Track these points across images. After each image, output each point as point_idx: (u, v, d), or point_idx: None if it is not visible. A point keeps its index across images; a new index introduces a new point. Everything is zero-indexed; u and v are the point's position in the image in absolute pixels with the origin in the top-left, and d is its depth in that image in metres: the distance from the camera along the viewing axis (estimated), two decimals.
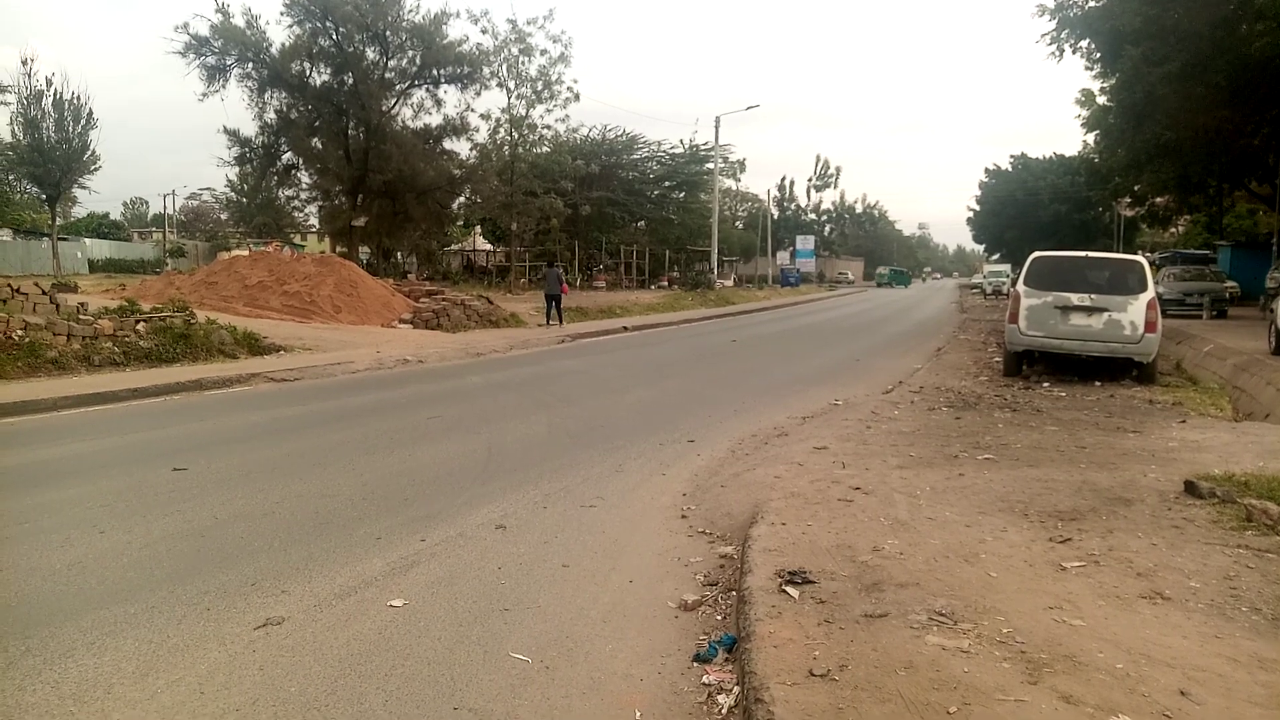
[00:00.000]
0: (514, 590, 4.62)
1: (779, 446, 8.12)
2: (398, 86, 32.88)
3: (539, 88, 32.81)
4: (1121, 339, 11.84)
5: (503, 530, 5.64)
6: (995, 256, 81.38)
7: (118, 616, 4.19)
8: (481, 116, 34.15)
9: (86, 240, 57.84)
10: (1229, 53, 20.04)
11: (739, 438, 8.81)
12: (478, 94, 33.42)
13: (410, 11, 31.44)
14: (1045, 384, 12.20)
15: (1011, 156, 72.15)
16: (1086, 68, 27.66)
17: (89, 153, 36.76)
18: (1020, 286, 12.72)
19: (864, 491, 6.00)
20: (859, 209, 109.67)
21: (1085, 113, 37.16)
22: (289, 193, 36.82)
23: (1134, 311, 11.75)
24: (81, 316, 14.06)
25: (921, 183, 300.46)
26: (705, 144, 51.56)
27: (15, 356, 12.15)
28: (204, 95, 30.50)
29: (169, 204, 68.62)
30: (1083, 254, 13.56)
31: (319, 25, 30.52)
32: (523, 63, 32.19)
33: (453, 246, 53.96)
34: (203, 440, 8.53)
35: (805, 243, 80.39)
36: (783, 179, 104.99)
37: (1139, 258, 13.31)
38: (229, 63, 30.74)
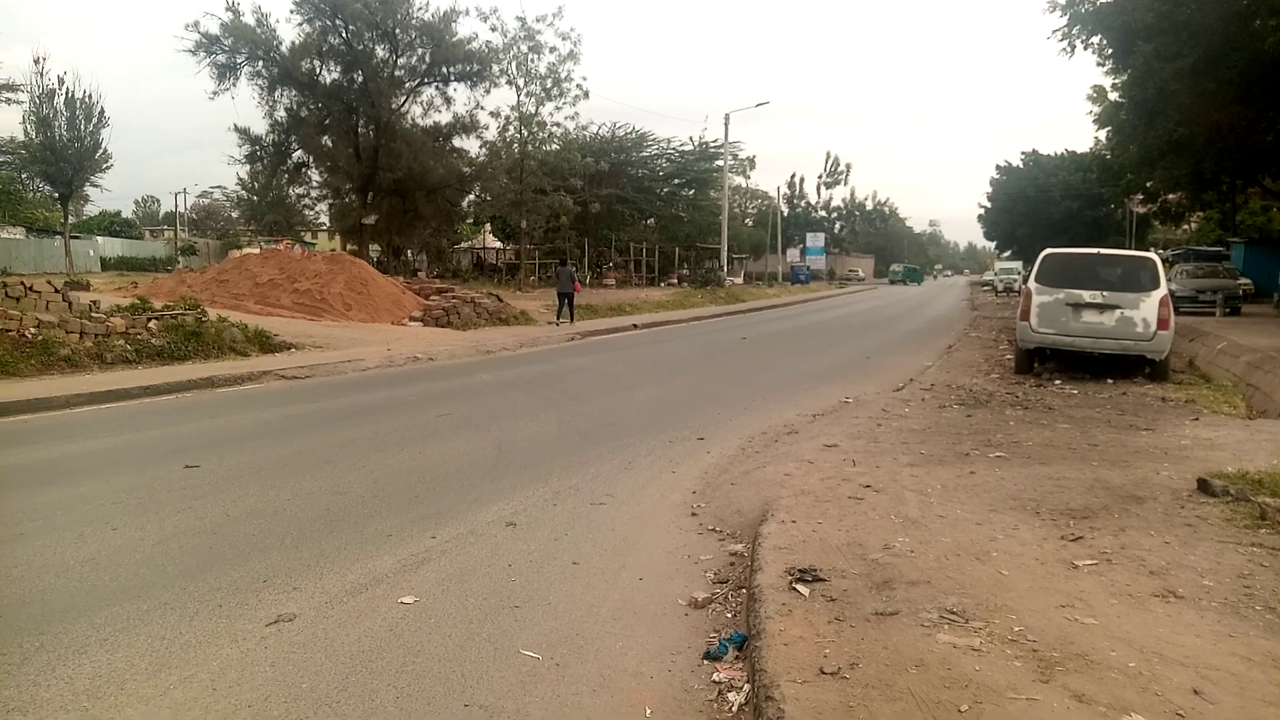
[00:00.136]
0: (524, 587, 4.63)
1: (789, 444, 8.11)
2: (407, 84, 32.97)
3: (548, 85, 32.88)
4: (1134, 336, 11.77)
5: (513, 527, 5.64)
6: (1006, 254, 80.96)
7: (131, 613, 4.21)
8: (491, 114, 34.29)
9: (99, 238, 58.19)
10: (1242, 48, 19.86)
11: (749, 435, 8.80)
12: (487, 91, 33.57)
13: (419, 9, 31.60)
14: (1057, 381, 12.14)
15: (1023, 153, 71.83)
16: (1098, 64, 27.46)
17: (101, 151, 36.93)
18: (1032, 284, 12.66)
19: (875, 489, 5.99)
20: (869, 206, 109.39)
21: (1097, 109, 36.98)
22: (299, 190, 37.12)
23: (1146, 309, 11.69)
24: (94, 314, 14.14)
25: (933, 179, 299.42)
26: (715, 141, 51.61)
27: (29, 354, 12.23)
28: (215, 93, 30.76)
29: (180, 202, 69.20)
30: (1095, 251, 13.47)
31: (329, 23, 30.63)
32: (532, 60, 32.29)
33: (462, 244, 54.03)
34: (214, 437, 8.57)
35: (815, 240, 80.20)
36: (793, 176, 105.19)
37: (1151, 254, 13.24)
38: (239, 61, 30.94)
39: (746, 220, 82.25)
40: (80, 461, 7.48)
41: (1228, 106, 22.89)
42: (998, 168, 73.97)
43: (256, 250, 35.14)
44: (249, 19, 30.17)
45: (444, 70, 32.69)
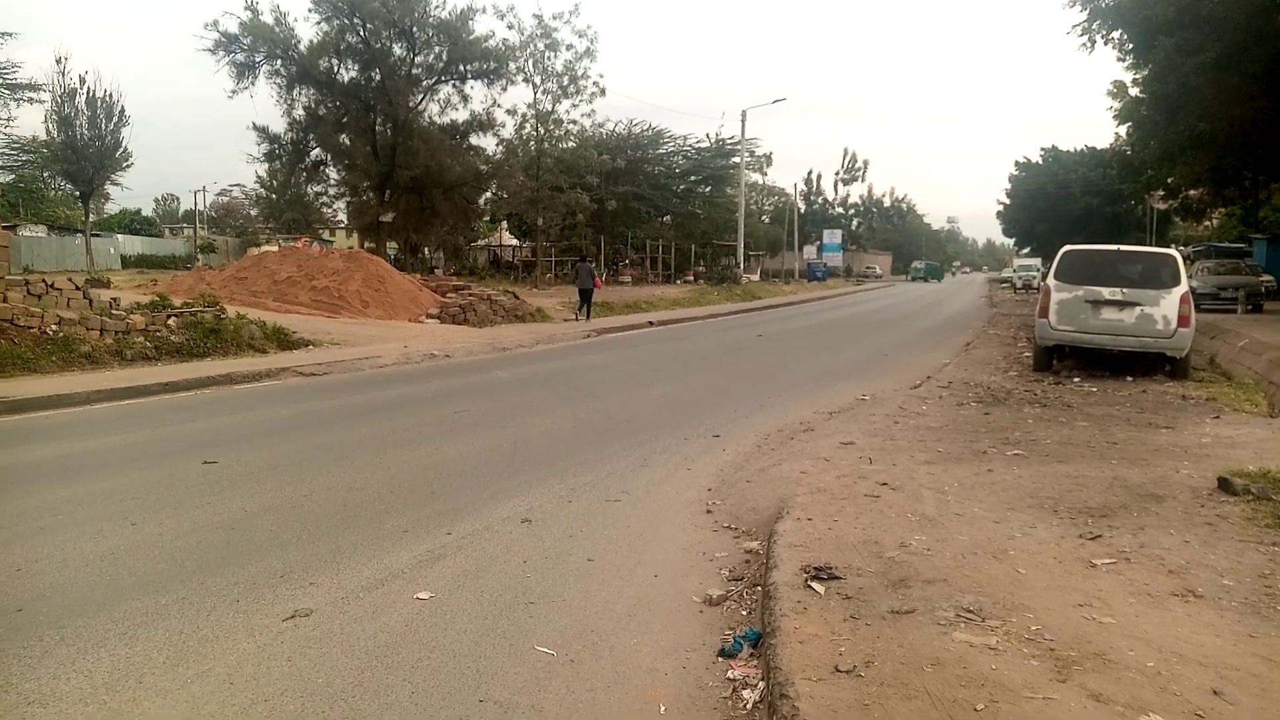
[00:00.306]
0: (539, 584, 4.63)
1: (805, 441, 8.08)
2: (424, 82, 33.04)
3: (565, 83, 32.96)
4: (1154, 334, 11.66)
5: (528, 524, 5.65)
6: (1025, 250, 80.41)
7: (149, 607, 4.25)
8: (508, 112, 34.37)
9: (119, 236, 58.65)
10: (1266, 42, 19.61)
11: (765, 433, 8.78)
12: (504, 89, 33.59)
13: (437, 7, 31.64)
14: (1076, 379, 12.04)
15: (1042, 149, 71.37)
16: (1118, 59, 27.19)
17: (121, 149, 37.37)
18: (1051, 280, 12.56)
19: (891, 487, 5.96)
20: (887, 203, 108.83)
21: (1117, 104, 36.66)
22: (317, 188, 37.23)
23: (1167, 306, 11.57)
24: (114, 311, 14.28)
25: (951, 176, 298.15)
26: (731, 138, 51.54)
27: (50, 351, 12.36)
28: (233, 92, 30.94)
29: (200, 200, 69.69)
30: (1114, 248, 13.33)
31: (347, 22, 30.74)
32: (548, 58, 32.38)
33: (479, 242, 54.15)
34: (232, 434, 8.63)
35: (832, 236, 79.89)
36: (809, 172, 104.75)
37: (1172, 251, 13.09)
38: (258, 60, 31.09)
39: (763, 217, 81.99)
40: (100, 457, 7.55)
41: (1251, 101, 22.62)
42: (1017, 164, 73.57)
43: (275, 248, 35.36)
44: (267, 18, 30.36)
45: (461, 68, 32.74)
